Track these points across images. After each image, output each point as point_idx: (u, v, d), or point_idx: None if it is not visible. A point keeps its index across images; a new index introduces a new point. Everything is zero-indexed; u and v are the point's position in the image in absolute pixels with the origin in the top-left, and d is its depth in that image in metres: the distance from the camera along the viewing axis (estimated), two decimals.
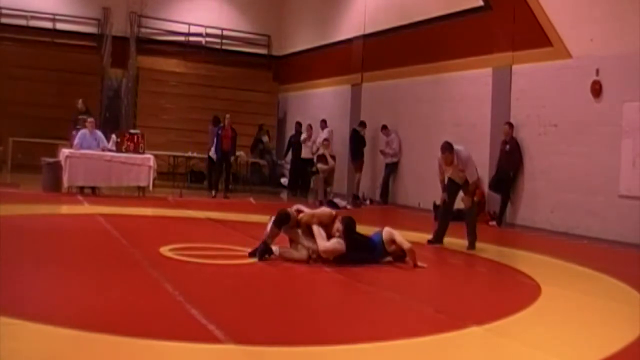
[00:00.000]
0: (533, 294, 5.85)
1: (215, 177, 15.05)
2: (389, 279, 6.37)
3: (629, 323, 5.03)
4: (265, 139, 19.04)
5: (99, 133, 13.14)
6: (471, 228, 8.60)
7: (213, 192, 14.59)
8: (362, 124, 16.21)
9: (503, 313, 5.02)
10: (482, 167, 12.87)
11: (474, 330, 4.48)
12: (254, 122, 19.16)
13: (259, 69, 21.57)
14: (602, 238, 10.32)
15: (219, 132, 14.62)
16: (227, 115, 14.84)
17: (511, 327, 4.76)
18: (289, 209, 6.80)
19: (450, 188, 8.74)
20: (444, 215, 8.88)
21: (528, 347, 4.30)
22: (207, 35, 21.14)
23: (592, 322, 5.15)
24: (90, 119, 13.40)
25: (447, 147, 8.45)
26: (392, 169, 15.46)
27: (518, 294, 6.18)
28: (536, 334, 4.69)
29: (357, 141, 16.04)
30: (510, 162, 12.09)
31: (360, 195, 15.72)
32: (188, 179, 17.37)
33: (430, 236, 8.79)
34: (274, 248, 6.68)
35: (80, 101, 16.03)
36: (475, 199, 12.16)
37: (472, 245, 8.53)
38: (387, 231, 7.01)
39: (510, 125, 12.14)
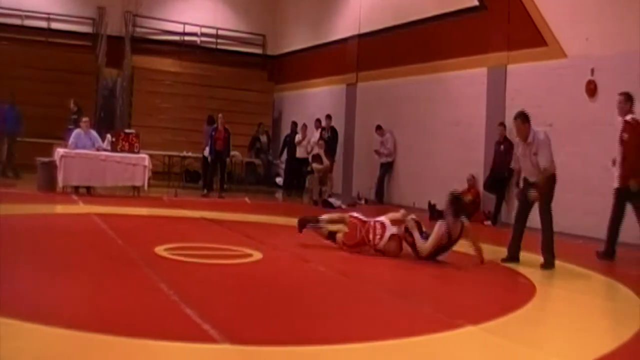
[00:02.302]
0: (528, 293, 5.86)
1: (209, 176, 15.04)
2: (385, 279, 6.38)
3: (624, 322, 5.05)
4: (263, 138, 19.02)
5: (94, 133, 13.12)
6: (548, 239, 7.37)
7: (205, 190, 14.56)
8: (328, 117, 16.28)
9: (498, 312, 5.03)
10: (478, 166, 12.92)
11: (470, 330, 4.48)
12: (249, 121, 19.12)
13: (254, 69, 21.57)
14: (599, 238, 10.31)
15: (213, 133, 14.60)
16: (220, 115, 14.79)
17: (506, 327, 4.76)
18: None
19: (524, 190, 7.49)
20: (518, 225, 7.65)
21: (523, 346, 4.31)
22: (202, 34, 21.13)
23: (587, 321, 5.16)
24: (85, 119, 13.37)
25: (521, 115, 7.28)
26: (386, 168, 15.47)
27: (513, 293, 6.20)
28: (531, 333, 4.70)
29: (334, 138, 16.17)
30: (504, 162, 12.08)
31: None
32: (183, 178, 17.36)
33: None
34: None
35: (72, 101, 16.02)
36: (470, 197, 12.30)
37: (550, 264, 7.25)
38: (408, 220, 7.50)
39: (504, 125, 12.15)
